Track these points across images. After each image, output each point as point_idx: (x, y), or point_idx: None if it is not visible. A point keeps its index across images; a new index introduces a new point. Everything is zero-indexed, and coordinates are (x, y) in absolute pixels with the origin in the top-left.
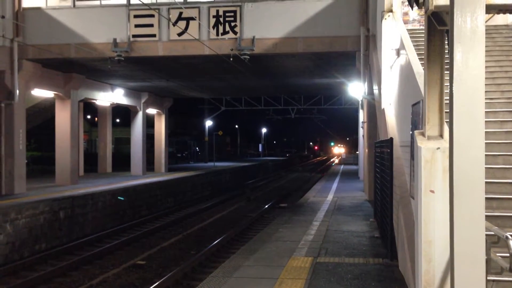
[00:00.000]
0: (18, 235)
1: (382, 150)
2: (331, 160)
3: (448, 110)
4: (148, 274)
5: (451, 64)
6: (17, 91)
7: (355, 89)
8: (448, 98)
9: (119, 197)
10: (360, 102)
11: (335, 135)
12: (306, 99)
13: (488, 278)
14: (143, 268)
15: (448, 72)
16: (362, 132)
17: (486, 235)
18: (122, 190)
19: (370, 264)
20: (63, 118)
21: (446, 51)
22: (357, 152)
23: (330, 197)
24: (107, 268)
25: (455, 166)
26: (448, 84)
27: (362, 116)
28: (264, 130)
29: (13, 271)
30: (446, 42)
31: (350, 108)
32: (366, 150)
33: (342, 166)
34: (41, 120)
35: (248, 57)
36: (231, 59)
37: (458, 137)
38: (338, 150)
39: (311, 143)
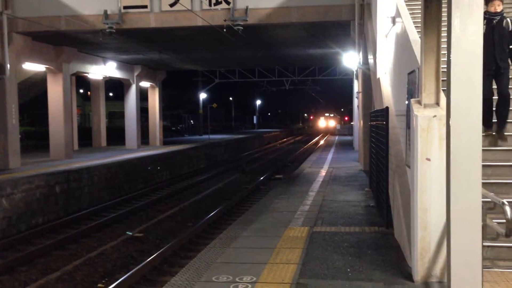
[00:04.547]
0: (15, 209)
1: (378, 119)
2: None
3: (444, 78)
4: (146, 246)
5: (448, 30)
6: (8, 65)
7: (350, 59)
8: (444, 66)
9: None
10: (354, 73)
11: (330, 106)
12: (301, 71)
13: (483, 243)
14: (141, 240)
15: (445, 39)
16: (357, 102)
17: (482, 201)
18: (118, 163)
19: (366, 233)
20: (55, 92)
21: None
22: (351, 123)
23: (325, 167)
24: (105, 240)
25: (452, 134)
26: (445, 51)
27: (357, 86)
28: (258, 102)
29: (11, 245)
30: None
31: (344, 78)
32: (361, 121)
33: (337, 137)
34: (33, 94)
35: (242, 27)
36: (225, 30)
37: (455, 103)
38: (325, 123)
39: (305, 115)
